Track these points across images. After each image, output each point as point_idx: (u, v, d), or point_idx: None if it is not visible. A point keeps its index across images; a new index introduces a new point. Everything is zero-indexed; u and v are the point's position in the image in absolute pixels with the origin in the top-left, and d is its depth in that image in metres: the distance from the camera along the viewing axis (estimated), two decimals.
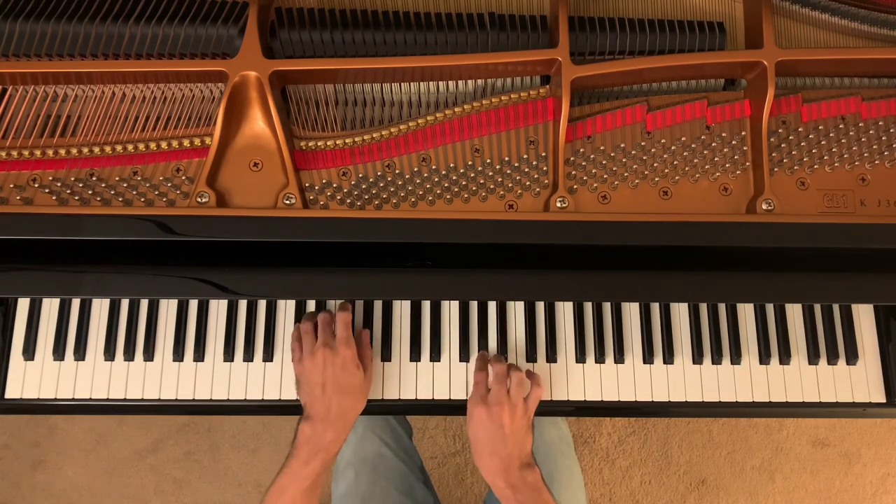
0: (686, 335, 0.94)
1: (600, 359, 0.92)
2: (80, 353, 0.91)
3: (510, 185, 0.84)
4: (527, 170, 0.85)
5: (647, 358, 0.92)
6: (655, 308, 0.94)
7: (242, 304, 0.93)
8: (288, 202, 0.82)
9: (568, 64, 0.81)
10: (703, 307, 0.94)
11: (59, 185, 0.82)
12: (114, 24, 0.83)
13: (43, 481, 1.65)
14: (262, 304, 0.93)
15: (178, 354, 0.91)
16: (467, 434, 0.85)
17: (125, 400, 0.90)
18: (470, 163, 0.85)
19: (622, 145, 0.85)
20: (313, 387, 0.83)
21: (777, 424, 1.70)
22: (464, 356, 0.92)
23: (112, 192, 0.82)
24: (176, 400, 0.90)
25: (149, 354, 0.91)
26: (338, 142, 0.85)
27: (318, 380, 0.83)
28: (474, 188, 0.84)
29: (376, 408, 0.90)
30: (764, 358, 0.93)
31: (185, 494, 1.65)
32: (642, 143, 0.86)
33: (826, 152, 0.86)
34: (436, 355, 0.92)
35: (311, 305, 0.93)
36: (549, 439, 1.10)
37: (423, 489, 1.06)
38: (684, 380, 0.92)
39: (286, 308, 0.93)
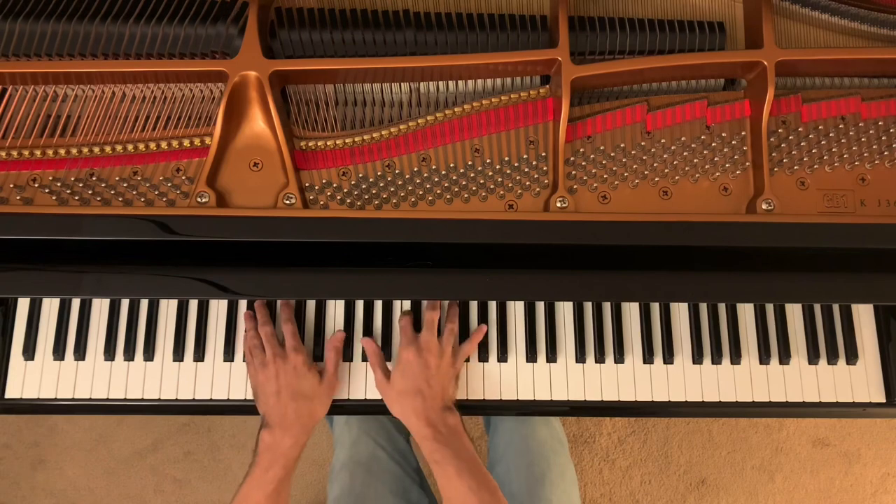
0: (686, 335, 0.94)
1: (600, 359, 0.92)
2: (80, 353, 0.91)
3: (510, 185, 0.84)
4: (527, 170, 0.85)
5: (647, 358, 0.92)
6: (655, 308, 0.94)
7: (242, 305, 0.93)
8: (288, 202, 0.82)
9: (568, 64, 0.81)
10: (703, 307, 0.94)
11: (59, 185, 0.82)
12: (114, 24, 0.83)
13: (43, 481, 1.65)
14: None
15: (178, 354, 0.91)
16: (391, 379, 0.87)
17: (125, 400, 0.90)
18: (470, 163, 0.85)
19: (622, 145, 0.85)
20: (268, 396, 0.85)
21: (777, 424, 1.70)
22: None
23: (112, 192, 0.82)
24: (176, 400, 0.90)
25: (149, 354, 0.91)
26: (338, 142, 0.85)
27: (272, 389, 0.85)
28: (474, 188, 0.84)
29: (375, 408, 0.90)
30: (764, 358, 0.93)
31: (185, 494, 1.65)
32: (642, 143, 0.86)
33: (826, 152, 0.86)
34: None
35: (311, 305, 0.93)
36: (540, 438, 1.09)
37: (419, 491, 1.06)
38: (684, 380, 0.92)
39: None
